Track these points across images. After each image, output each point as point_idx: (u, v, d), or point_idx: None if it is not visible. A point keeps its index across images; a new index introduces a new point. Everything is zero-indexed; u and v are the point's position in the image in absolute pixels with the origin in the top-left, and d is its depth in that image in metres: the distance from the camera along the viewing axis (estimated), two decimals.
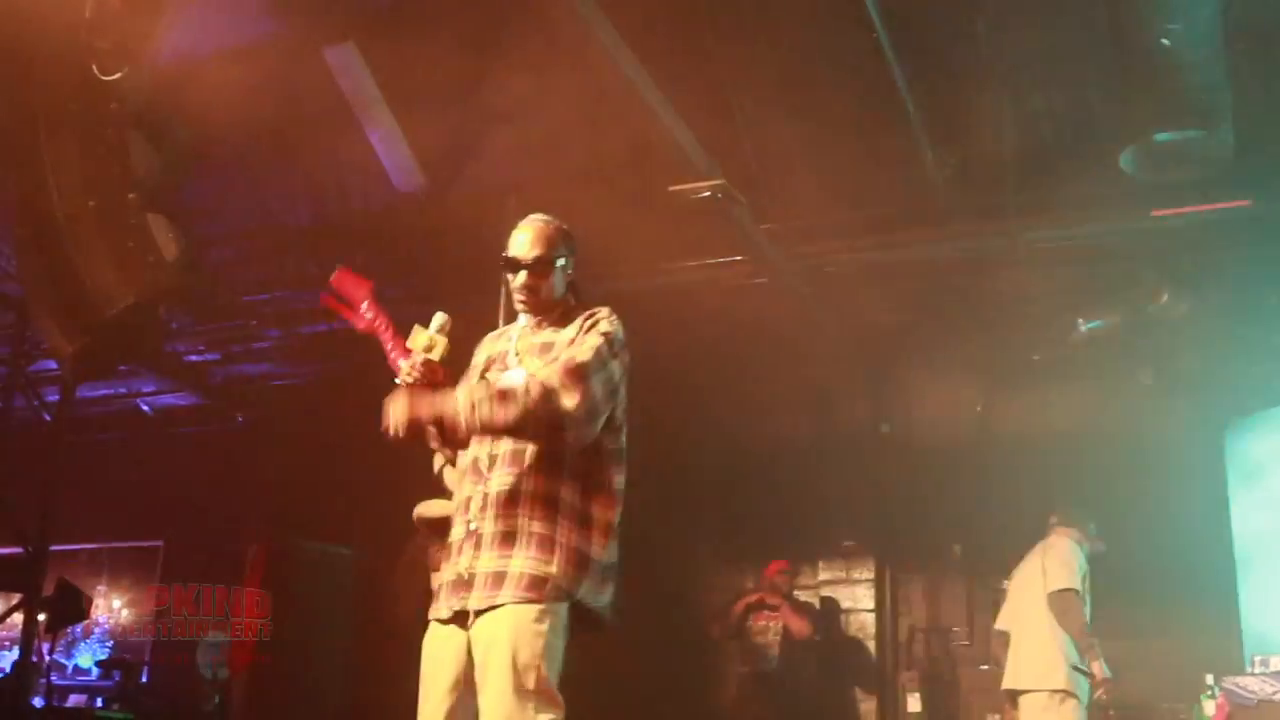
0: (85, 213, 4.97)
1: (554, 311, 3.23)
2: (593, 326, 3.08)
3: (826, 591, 8.59)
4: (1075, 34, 5.99)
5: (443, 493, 3.50)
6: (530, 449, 2.98)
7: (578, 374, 2.92)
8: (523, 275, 3.18)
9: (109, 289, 4.96)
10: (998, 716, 6.82)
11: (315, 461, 9.06)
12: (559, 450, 2.98)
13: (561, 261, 3.21)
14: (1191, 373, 7.56)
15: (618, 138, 6.18)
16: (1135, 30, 5.10)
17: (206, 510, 9.70)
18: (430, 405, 2.95)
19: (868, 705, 8.19)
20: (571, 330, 3.11)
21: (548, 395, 2.88)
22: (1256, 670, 6.21)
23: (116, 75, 5.01)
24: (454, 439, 3.07)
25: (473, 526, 3.00)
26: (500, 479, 2.99)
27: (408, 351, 3.19)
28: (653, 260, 7.34)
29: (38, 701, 8.24)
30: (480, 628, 2.90)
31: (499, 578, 2.89)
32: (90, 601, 8.78)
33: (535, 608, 2.85)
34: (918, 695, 7.78)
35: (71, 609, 8.04)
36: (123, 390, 10.32)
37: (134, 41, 5.09)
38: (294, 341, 8.91)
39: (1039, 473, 7.46)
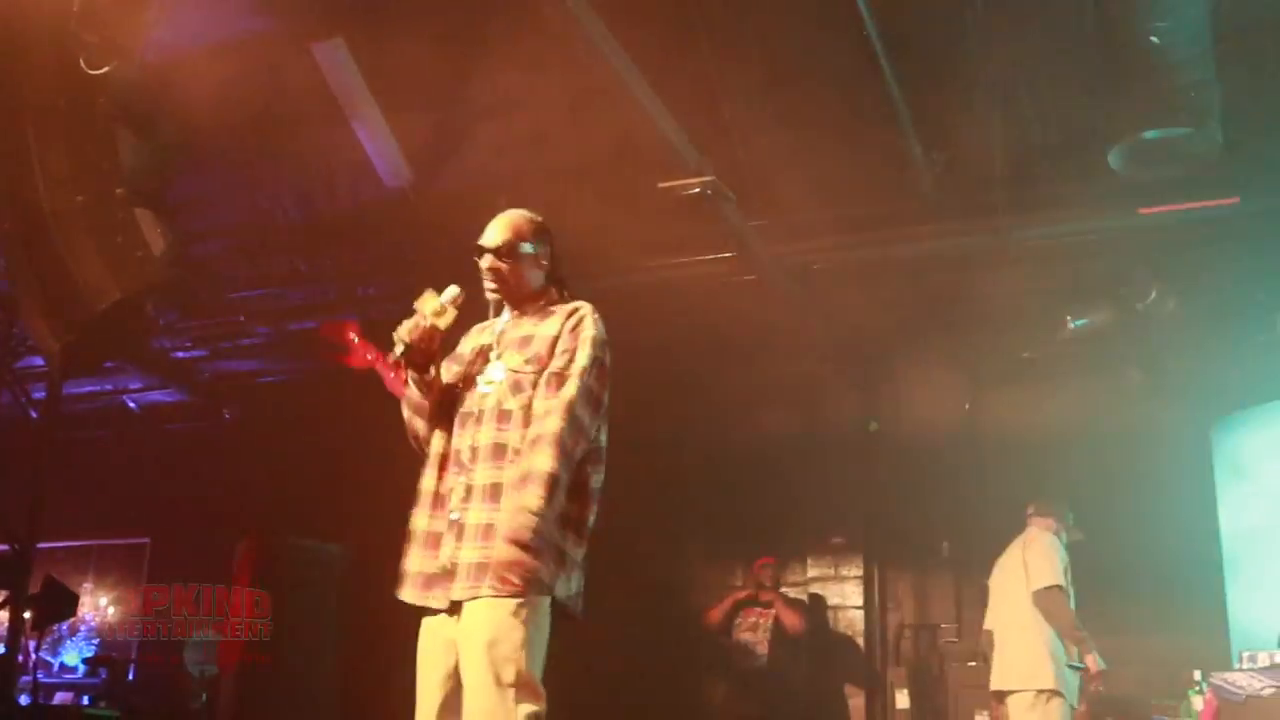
0: (72, 207, 4.96)
1: (533, 303, 3.28)
2: (576, 328, 3.13)
3: (815, 588, 8.57)
4: (1063, 32, 5.99)
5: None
6: (512, 443, 3.01)
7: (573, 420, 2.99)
8: (487, 258, 3.26)
9: (96, 284, 4.95)
10: (986, 713, 6.83)
11: (303, 458, 9.03)
12: None
13: (528, 248, 3.26)
14: (1180, 370, 7.58)
15: (607, 134, 6.18)
16: (1123, 28, 5.12)
17: (194, 507, 9.65)
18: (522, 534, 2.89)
19: (856, 702, 8.18)
20: (553, 326, 3.15)
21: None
22: (1244, 666, 6.22)
23: (104, 69, 5.00)
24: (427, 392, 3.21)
25: (454, 517, 3.03)
26: (485, 472, 3.02)
27: (405, 382, 3.19)
28: (642, 256, 7.32)
29: (24, 699, 8.20)
30: (463, 619, 2.92)
31: (482, 569, 2.90)
32: (77, 599, 8.73)
33: (514, 600, 2.86)
34: (906, 692, 7.78)
35: (59, 606, 7.99)
36: (109, 387, 10.26)
37: (122, 36, 5.09)
38: (282, 338, 8.87)
39: (1027, 470, 7.49)
